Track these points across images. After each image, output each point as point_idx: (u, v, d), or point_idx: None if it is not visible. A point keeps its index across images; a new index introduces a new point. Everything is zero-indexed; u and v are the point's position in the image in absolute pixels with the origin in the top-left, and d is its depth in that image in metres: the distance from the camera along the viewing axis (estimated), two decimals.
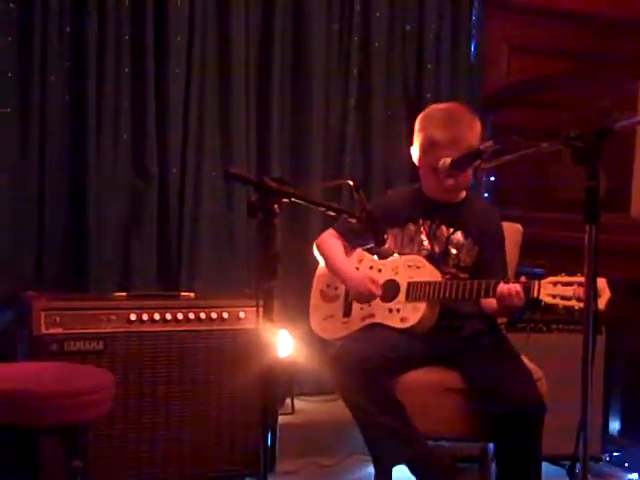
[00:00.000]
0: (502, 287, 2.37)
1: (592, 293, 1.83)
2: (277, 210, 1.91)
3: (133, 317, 2.88)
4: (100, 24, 3.50)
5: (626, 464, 3.33)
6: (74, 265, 3.50)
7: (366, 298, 2.61)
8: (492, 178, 4.30)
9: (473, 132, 2.58)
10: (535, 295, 2.30)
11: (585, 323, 1.81)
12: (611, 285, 2.15)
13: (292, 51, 3.91)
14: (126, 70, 3.57)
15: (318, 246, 2.81)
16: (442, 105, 2.71)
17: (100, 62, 3.50)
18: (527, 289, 2.32)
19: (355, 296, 2.64)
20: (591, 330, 1.80)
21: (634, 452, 3.31)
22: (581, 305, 2.14)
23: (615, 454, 3.37)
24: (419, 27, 4.14)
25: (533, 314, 3.21)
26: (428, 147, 2.59)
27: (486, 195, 4.22)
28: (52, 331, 2.77)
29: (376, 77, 4.04)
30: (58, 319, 2.78)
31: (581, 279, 2.15)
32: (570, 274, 2.25)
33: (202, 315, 2.97)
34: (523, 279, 2.36)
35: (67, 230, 3.50)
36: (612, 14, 4.49)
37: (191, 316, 2.96)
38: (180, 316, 2.94)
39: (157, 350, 2.91)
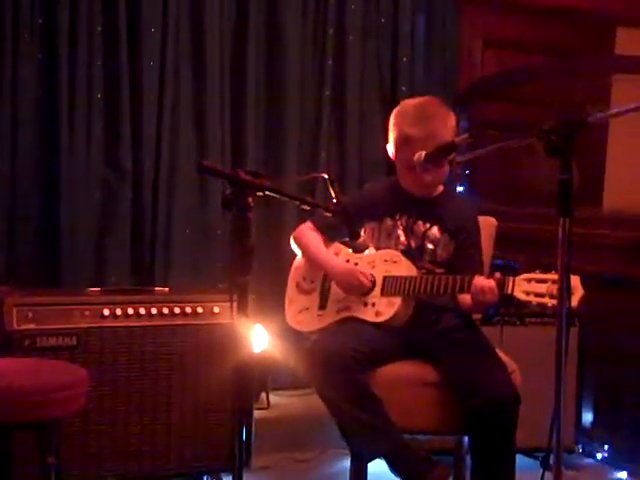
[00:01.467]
0: (476, 283, 2.37)
1: (565, 287, 1.84)
2: (251, 204, 1.90)
3: (107, 312, 2.85)
4: (72, 17, 3.47)
5: (599, 455, 3.37)
6: (47, 260, 3.47)
7: (357, 290, 2.60)
8: (467, 172, 4.32)
9: (447, 127, 2.58)
10: (509, 292, 2.30)
11: (558, 319, 1.82)
12: (584, 280, 2.16)
13: (267, 45, 3.90)
14: (99, 63, 3.55)
15: (296, 238, 2.80)
16: (415, 100, 2.70)
17: (72, 55, 3.48)
18: (501, 285, 2.33)
19: (344, 288, 2.63)
20: (564, 328, 1.81)
21: (606, 443, 3.35)
22: (554, 302, 2.15)
23: (588, 445, 3.40)
24: (394, 20, 4.15)
25: (507, 308, 3.23)
26: (402, 143, 2.58)
27: (461, 189, 4.23)
28: (24, 327, 2.74)
29: (351, 70, 4.05)
30: (30, 315, 2.75)
31: (555, 277, 2.16)
32: (544, 271, 2.26)
33: (176, 310, 2.95)
34: (498, 275, 2.36)
35: (40, 225, 3.48)
36: (585, 8, 4.52)
37: (165, 311, 2.94)
38: (154, 311, 2.92)
39: (131, 345, 2.88)
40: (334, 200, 2.24)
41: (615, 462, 3.30)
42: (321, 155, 3.99)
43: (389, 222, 2.67)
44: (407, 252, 2.61)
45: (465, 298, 2.49)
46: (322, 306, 2.70)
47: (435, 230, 2.64)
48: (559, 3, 4.50)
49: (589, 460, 3.38)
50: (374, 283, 2.58)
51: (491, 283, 2.35)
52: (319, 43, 4.01)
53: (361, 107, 4.08)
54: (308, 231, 2.77)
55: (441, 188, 2.71)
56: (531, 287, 2.26)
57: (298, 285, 2.80)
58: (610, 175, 4.59)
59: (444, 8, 4.30)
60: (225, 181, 1.97)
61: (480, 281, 2.37)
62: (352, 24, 4.03)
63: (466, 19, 4.40)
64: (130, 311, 2.89)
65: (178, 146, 3.71)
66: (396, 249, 2.63)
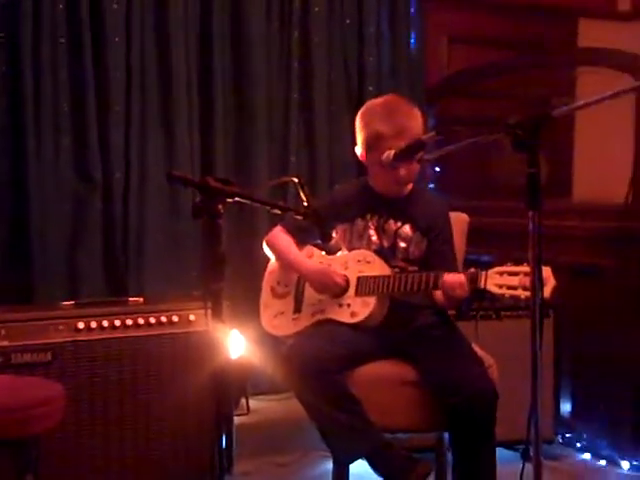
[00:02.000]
0: (446, 279, 2.38)
1: (538, 280, 1.85)
2: (221, 211, 1.90)
3: (81, 325, 2.83)
4: (35, 27, 3.44)
5: (578, 444, 3.39)
6: (18, 275, 3.44)
7: (331, 290, 2.60)
8: (437, 169, 4.33)
9: (416, 121, 2.59)
10: (482, 286, 2.31)
11: (532, 312, 1.83)
12: (556, 270, 2.18)
13: (232, 50, 3.89)
14: (64, 75, 3.52)
15: (268, 242, 2.80)
16: (380, 99, 2.71)
17: (36, 67, 3.45)
18: (473, 279, 2.34)
19: (318, 289, 2.63)
20: (538, 320, 1.82)
21: (585, 433, 3.37)
22: (527, 294, 2.16)
23: (567, 435, 3.43)
24: (359, 20, 4.16)
25: (481, 302, 3.24)
26: (374, 142, 2.58)
27: (431, 186, 4.25)
28: None
29: (318, 73, 4.05)
30: (3, 331, 2.72)
31: (527, 269, 2.17)
32: (516, 263, 2.27)
33: (152, 320, 2.94)
34: (472, 270, 2.37)
35: (10, 239, 3.45)
36: (550, 3, 4.56)
37: (140, 321, 2.92)
38: (129, 322, 2.90)
39: (107, 358, 2.86)
40: (305, 203, 2.24)
41: (594, 451, 3.32)
42: (291, 159, 3.98)
43: (360, 223, 2.67)
44: (380, 252, 2.62)
45: (440, 294, 2.50)
46: (297, 310, 2.70)
47: (407, 228, 2.65)
48: None
49: (569, 450, 3.40)
50: (348, 283, 2.59)
51: (461, 278, 2.36)
52: (285, 47, 4.01)
53: (329, 109, 4.09)
54: (280, 234, 2.77)
55: (410, 186, 2.72)
56: (503, 280, 2.27)
57: (272, 289, 2.80)
58: (578, 166, 4.64)
59: (408, 7, 4.31)
60: (195, 189, 1.97)
61: (449, 277, 2.38)
62: (317, 26, 4.03)
63: (430, 17, 4.41)
64: (105, 323, 2.87)
65: (147, 155, 3.69)
66: (368, 249, 2.63)
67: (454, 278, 2.37)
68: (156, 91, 3.73)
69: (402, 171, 2.56)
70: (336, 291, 2.59)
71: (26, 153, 3.44)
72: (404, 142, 2.43)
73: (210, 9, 3.81)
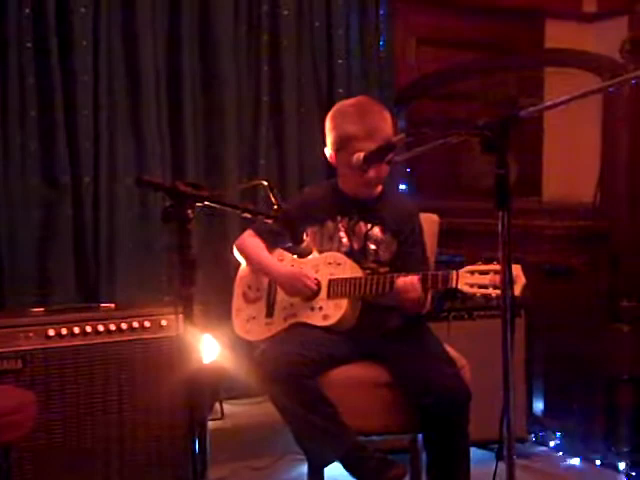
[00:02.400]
0: (397, 281, 2.39)
1: (508, 280, 1.86)
2: (191, 215, 1.89)
3: (52, 332, 2.80)
4: (1, 32, 3.40)
5: (551, 443, 3.42)
6: None
7: (303, 293, 2.59)
8: (407, 170, 4.35)
9: (386, 122, 2.59)
10: (454, 285, 2.33)
11: (503, 311, 1.84)
12: (526, 269, 2.20)
13: (201, 54, 3.87)
14: (31, 80, 3.48)
15: (239, 247, 2.79)
16: (350, 100, 2.72)
17: (3, 73, 3.40)
18: (446, 280, 2.35)
19: (290, 292, 2.62)
20: (509, 318, 1.83)
21: (558, 431, 3.40)
22: (498, 292, 2.18)
23: (540, 433, 3.45)
24: (327, 23, 4.16)
25: (453, 302, 3.26)
26: (344, 143, 2.58)
27: (403, 187, 4.26)
28: None
29: (287, 75, 4.04)
30: None
31: (497, 267, 2.19)
32: (487, 262, 2.29)
33: (123, 325, 2.91)
34: (444, 271, 2.38)
35: None
36: (516, 4, 4.60)
37: (112, 327, 2.90)
38: (101, 328, 2.88)
39: (79, 365, 2.83)
40: (275, 206, 2.23)
41: (568, 449, 3.35)
42: (260, 162, 3.97)
43: (330, 225, 2.67)
44: (350, 254, 2.62)
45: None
46: (269, 314, 2.69)
47: (377, 230, 2.65)
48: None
49: (542, 448, 3.43)
50: (319, 286, 2.58)
51: (412, 279, 2.37)
52: (254, 50, 3.99)
53: (299, 111, 4.08)
54: (250, 238, 2.76)
55: (380, 188, 2.72)
56: (474, 279, 2.29)
57: (244, 294, 2.79)
58: (547, 166, 4.68)
59: (377, 9, 4.32)
60: (165, 194, 1.96)
61: (401, 279, 2.38)
62: (286, 29, 4.02)
63: (399, 18, 4.43)
64: (76, 330, 2.84)
65: (116, 159, 3.66)
66: (339, 251, 2.63)
67: (405, 280, 2.38)
68: (125, 95, 3.70)
69: (371, 173, 2.57)
70: (307, 294, 2.59)
71: None
72: (374, 143, 2.43)
73: (178, 12, 3.79)
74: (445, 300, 3.18)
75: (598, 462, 3.22)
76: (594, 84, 2.80)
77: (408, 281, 2.38)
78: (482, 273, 2.28)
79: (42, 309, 3.01)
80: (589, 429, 3.27)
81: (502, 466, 1.89)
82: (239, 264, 2.82)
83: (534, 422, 3.45)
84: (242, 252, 2.78)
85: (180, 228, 1.90)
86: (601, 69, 3.28)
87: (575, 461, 3.30)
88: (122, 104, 3.69)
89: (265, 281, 2.74)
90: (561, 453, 3.36)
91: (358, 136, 2.53)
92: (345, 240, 2.65)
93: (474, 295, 2.28)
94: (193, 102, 3.84)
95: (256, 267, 2.75)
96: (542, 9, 4.74)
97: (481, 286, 2.27)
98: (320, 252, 2.65)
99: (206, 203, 1.96)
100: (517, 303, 2.07)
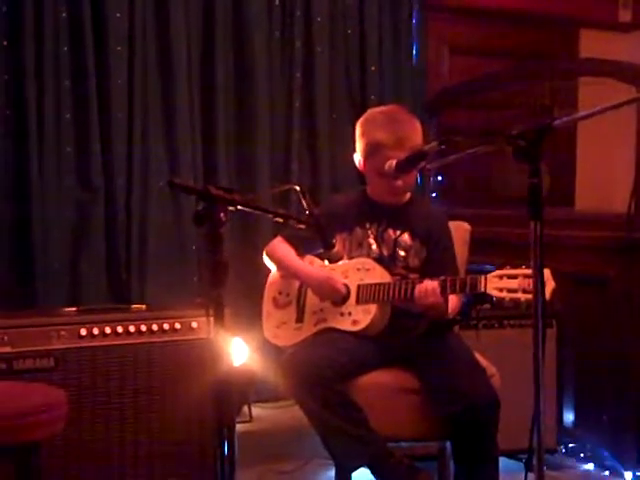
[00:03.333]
0: (419, 287, 2.38)
1: (539, 288, 1.85)
2: (223, 219, 1.90)
3: (84, 332, 2.83)
4: (37, 36, 3.46)
5: (581, 454, 3.38)
6: (21, 281, 3.45)
7: (332, 297, 2.60)
8: (439, 178, 4.34)
9: (416, 131, 2.59)
10: (483, 289, 2.31)
11: (533, 314, 1.83)
12: (557, 279, 2.18)
13: (235, 58, 3.91)
14: (66, 82, 3.53)
15: (268, 253, 2.80)
16: (381, 108, 2.72)
17: (39, 75, 3.46)
18: (474, 284, 2.33)
19: (320, 294, 2.63)
20: (540, 320, 1.82)
21: (588, 442, 3.36)
22: (527, 297, 2.17)
23: (570, 445, 3.42)
24: (360, 31, 4.18)
25: (492, 310, 3.23)
26: (373, 150, 2.59)
27: (434, 195, 4.25)
28: (0, 350, 2.71)
29: (320, 82, 4.06)
30: (6, 338, 2.72)
31: (526, 271, 2.18)
32: (515, 267, 2.28)
33: (154, 327, 2.94)
34: (471, 275, 2.37)
35: (13, 246, 3.46)
36: (550, 11, 4.58)
37: (143, 328, 2.92)
38: (132, 329, 2.90)
39: (110, 365, 2.86)
40: (307, 212, 2.24)
41: (597, 461, 3.31)
42: (293, 167, 3.99)
43: (359, 231, 2.67)
44: (379, 260, 2.62)
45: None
46: (299, 319, 2.69)
47: (406, 237, 2.65)
48: (523, 8, 4.56)
49: (572, 460, 3.39)
50: (349, 291, 2.59)
51: (433, 285, 2.36)
52: (287, 56, 4.02)
53: (331, 118, 4.10)
54: (280, 244, 2.76)
55: (408, 195, 2.72)
56: (503, 283, 2.27)
57: (274, 300, 2.79)
58: (581, 176, 4.65)
59: (410, 17, 4.33)
60: (197, 197, 1.97)
61: (420, 285, 2.38)
62: (319, 36, 4.05)
63: (432, 27, 4.44)
64: (107, 330, 2.87)
65: (149, 163, 3.70)
66: (368, 257, 2.63)
67: (424, 286, 2.37)
68: (158, 99, 3.75)
69: (398, 182, 2.57)
70: (337, 298, 2.59)
71: (29, 161, 3.45)
72: (403, 152, 2.42)
73: (212, 19, 3.83)
74: (475, 305, 3.16)
75: (628, 476, 3.18)
76: (629, 94, 2.78)
77: (428, 287, 2.37)
78: (511, 277, 2.26)
79: (74, 309, 3.05)
80: (620, 442, 3.22)
81: (531, 477, 1.88)
82: (269, 269, 2.83)
83: (564, 433, 3.42)
84: (272, 258, 2.79)
85: (212, 231, 1.91)
86: (636, 79, 3.25)
87: (605, 474, 3.26)
88: (156, 108, 3.73)
89: (295, 286, 2.74)
90: (591, 465, 3.33)
91: (387, 144, 2.53)
92: (374, 247, 2.65)
93: (503, 299, 2.26)
94: (226, 107, 3.87)
95: (286, 271, 2.75)
96: (577, 19, 4.72)
97: (510, 290, 2.25)
98: (349, 259, 2.65)
99: (238, 207, 1.97)
100: (548, 310, 2.06)
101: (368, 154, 2.61)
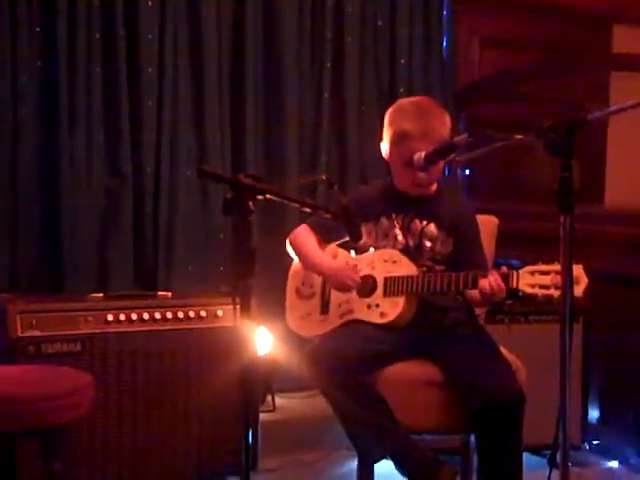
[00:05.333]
0: (483, 283, 2.36)
1: (569, 282, 1.84)
2: (252, 207, 1.91)
3: (110, 318, 2.86)
4: (70, 24, 3.47)
5: (606, 452, 3.36)
6: (49, 267, 3.47)
7: (347, 287, 2.60)
8: (467, 171, 4.32)
9: (444, 124, 2.58)
10: (514, 285, 2.30)
11: (562, 310, 1.82)
12: (587, 273, 2.17)
13: (265, 48, 3.90)
14: (97, 70, 3.55)
15: (291, 242, 2.79)
16: (411, 98, 2.72)
17: (71, 62, 3.48)
18: (506, 279, 2.33)
19: (335, 286, 2.63)
20: (568, 317, 1.81)
21: (613, 440, 3.34)
22: (560, 293, 2.15)
23: (595, 442, 3.40)
24: (391, 22, 4.15)
25: (513, 305, 3.23)
26: (399, 140, 2.58)
27: (462, 189, 4.23)
28: (29, 334, 2.75)
29: (349, 73, 4.05)
30: (34, 321, 2.76)
31: (558, 267, 2.16)
32: (547, 262, 2.26)
33: (180, 314, 2.96)
34: (504, 269, 2.36)
35: (41, 232, 3.48)
36: (583, 5, 4.53)
37: (169, 315, 2.95)
38: (158, 315, 2.93)
39: (135, 350, 2.89)
40: (335, 202, 2.24)
41: (622, 459, 3.29)
42: (321, 158, 3.99)
43: (385, 222, 2.67)
44: (405, 251, 2.61)
45: (473, 293, 2.49)
46: (324, 311, 2.69)
47: (432, 227, 2.64)
48: (555, 2, 4.51)
49: (596, 457, 3.37)
50: (376, 283, 2.58)
51: (498, 281, 2.33)
52: (317, 46, 4.01)
53: (360, 109, 4.09)
54: (304, 232, 2.76)
55: (435, 186, 2.71)
56: (535, 279, 2.26)
57: (297, 290, 2.79)
58: (611, 172, 4.60)
59: (440, 9, 4.30)
60: (226, 185, 1.98)
61: (487, 282, 2.35)
62: (349, 27, 4.03)
63: (463, 19, 4.40)
64: (134, 316, 2.90)
65: (178, 151, 3.71)
66: (394, 248, 2.62)
67: (492, 281, 2.34)
68: (188, 88, 3.75)
69: (421, 175, 2.57)
70: (352, 288, 2.58)
71: (59, 148, 3.47)
72: (428, 144, 2.42)
73: (242, 7, 3.83)
74: (505, 300, 3.15)
75: None
76: None
77: (494, 283, 2.34)
78: (543, 273, 2.25)
79: (101, 295, 3.07)
80: None
81: (555, 473, 1.87)
82: (293, 258, 2.83)
83: (589, 430, 3.40)
84: (293, 246, 2.78)
85: (241, 220, 1.92)
86: None
87: (629, 471, 3.24)
88: (185, 97, 3.74)
89: (318, 277, 2.74)
90: (615, 463, 3.31)
91: (413, 135, 2.53)
92: (400, 237, 2.65)
93: (535, 296, 2.25)
94: (255, 96, 3.87)
95: (305, 262, 2.75)
96: (610, 13, 4.67)
97: (542, 286, 2.24)
98: (375, 249, 2.65)
99: (267, 196, 1.98)
100: (579, 303, 2.04)
101: (394, 143, 2.61)
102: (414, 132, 2.53)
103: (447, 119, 2.61)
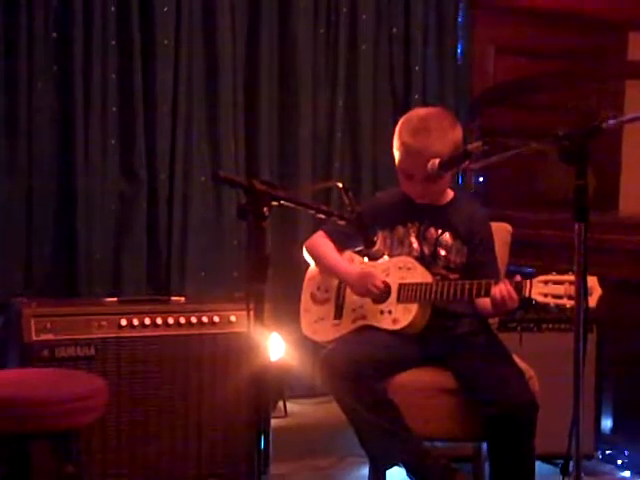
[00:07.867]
0: (495, 293, 2.36)
1: (583, 291, 1.84)
2: (266, 213, 1.91)
3: (124, 322, 2.87)
4: (86, 29, 3.50)
5: (618, 462, 3.34)
6: (64, 271, 3.50)
7: (370, 293, 2.60)
8: (481, 179, 4.31)
9: (443, 142, 2.51)
10: (527, 294, 2.30)
11: (576, 320, 1.82)
12: (601, 283, 2.16)
13: (279, 55, 3.92)
14: (113, 76, 3.58)
15: (308, 248, 2.80)
16: (423, 111, 2.68)
17: (87, 67, 3.51)
18: (519, 288, 2.33)
19: (358, 292, 2.63)
20: (582, 328, 1.81)
21: (626, 449, 3.32)
22: (573, 303, 2.15)
23: (608, 452, 3.38)
24: (405, 29, 4.16)
25: (526, 314, 3.22)
26: (398, 150, 2.61)
27: (475, 196, 4.22)
28: (43, 337, 2.75)
29: (364, 79, 4.06)
30: (49, 325, 2.77)
31: (572, 277, 2.16)
32: (561, 272, 2.26)
33: (193, 319, 2.96)
34: (518, 278, 2.36)
35: (56, 236, 3.50)
36: (598, 13, 4.52)
37: (182, 320, 2.95)
38: (171, 321, 2.93)
39: (148, 355, 2.89)
40: (348, 208, 2.24)
41: (635, 469, 3.27)
42: (335, 164, 4.00)
43: (401, 230, 2.67)
44: (420, 259, 2.61)
45: (484, 302, 2.48)
46: (338, 316, 2.70)
47: (447, 236, 2.64)
48: (571, 9, 4.50)
49: (609, 466, 3.35)
50: (389, 290, 2.58)
51: (510, 290, 2.33)
52: (331, 53, 4.02)
53: (374, 116, 4.09)
54: (321, 239, 2.77)
55: (451, 194, 2.71)
56: (548, 289, 2.26)
57: (312, 295, 2.80)
58: (626, 180, 4.58)
59: (455, 16, 4.30)
60: (240, 191, 1.98)
61: (498, 290, 2.35)
62: (364, 34, 4.04)
63: (478, 26, 4.40)
64: (147, 321, 2.90)
65: (192, 157, 3.73)
66: (410, 256, 2.63)
67: (503, 290, 2.33)
68: (203, 93, 3.77)
69: (418, 186, 2.57)
70: (375, 294, 2.59)
71: (74, 153, 3.50)
72: (413, 162, 2.50)
73: (258, 14, 3.85)
74: (518, 309, 3.15)
75: None
76: None
77: (505, 292, 2.34)
78: (557, 283, 2.25)
79: (115, 299, 3.08)
80: None
81: None
82: (308, 264, 2.84)
83: (602, 439, 3.38)
84: (311, 252, 2.79)
85: (255, 225, 1.92)
86: None
87: None
88: (200, 103, 3.76)
89: (334, 283, 2.74)
90: (628, 473, 3.29)
91: (409, 149, 2.54)
92: (416, 245, 2.65)
93: (548, 305, 2.25)
94: (269, 103, 3.89)
95: (324, 268, 2.76)
96: (626, 21, 4.65)
97: (555, 296, 2.24)
98: (390, 256, 2.65)
99: (282, 202, 1.98)
100: (592, 314, 2.04)
101: (396, 153, 2.62)
102: (410, 146, 2.54)
103: (453, 135, 2.55)
